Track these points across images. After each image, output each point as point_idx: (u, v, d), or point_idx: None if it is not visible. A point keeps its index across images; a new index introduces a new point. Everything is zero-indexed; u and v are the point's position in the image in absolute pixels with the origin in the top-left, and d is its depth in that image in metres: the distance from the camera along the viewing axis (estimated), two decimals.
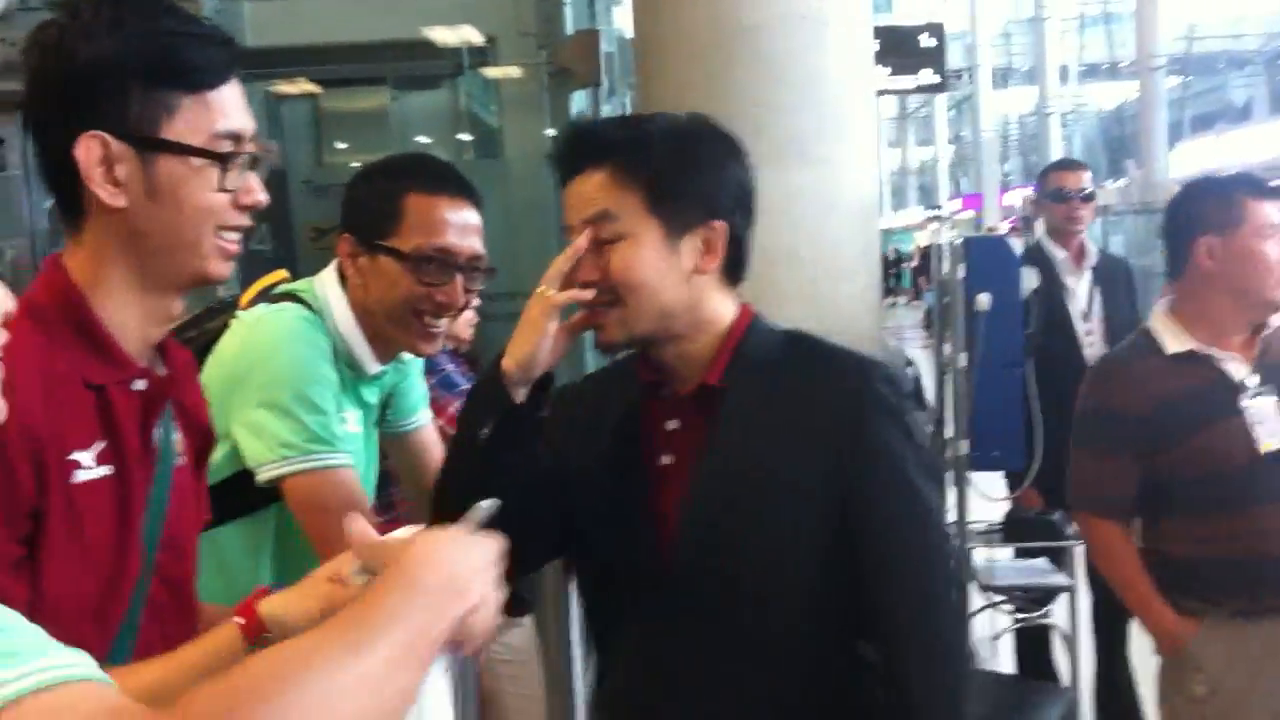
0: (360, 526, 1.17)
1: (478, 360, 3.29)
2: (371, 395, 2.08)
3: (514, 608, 2.89)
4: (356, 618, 0.91)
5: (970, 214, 30.63)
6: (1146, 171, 26.43)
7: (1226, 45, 30.62)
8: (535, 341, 1.54)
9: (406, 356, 2.13)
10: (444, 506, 1.53)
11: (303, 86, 9.47)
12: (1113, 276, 4.26)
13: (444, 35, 8.04)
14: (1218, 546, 2.44)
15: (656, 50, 3.14)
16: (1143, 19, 26.54)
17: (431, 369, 2.99)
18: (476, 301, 3.22)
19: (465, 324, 3.17)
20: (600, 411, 1.68)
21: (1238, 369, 2.47)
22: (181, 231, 1.31)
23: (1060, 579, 3.74)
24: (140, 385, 1.34)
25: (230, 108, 1.34)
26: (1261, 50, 29.15)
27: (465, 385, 3.01)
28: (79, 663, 0.80)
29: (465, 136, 9.66)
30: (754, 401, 1.57)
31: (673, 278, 1.54)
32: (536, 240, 6.62)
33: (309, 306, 1.97)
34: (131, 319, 1.33)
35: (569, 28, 7.43)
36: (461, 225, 1.97)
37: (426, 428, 2.29)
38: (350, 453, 1.94)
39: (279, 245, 8.15)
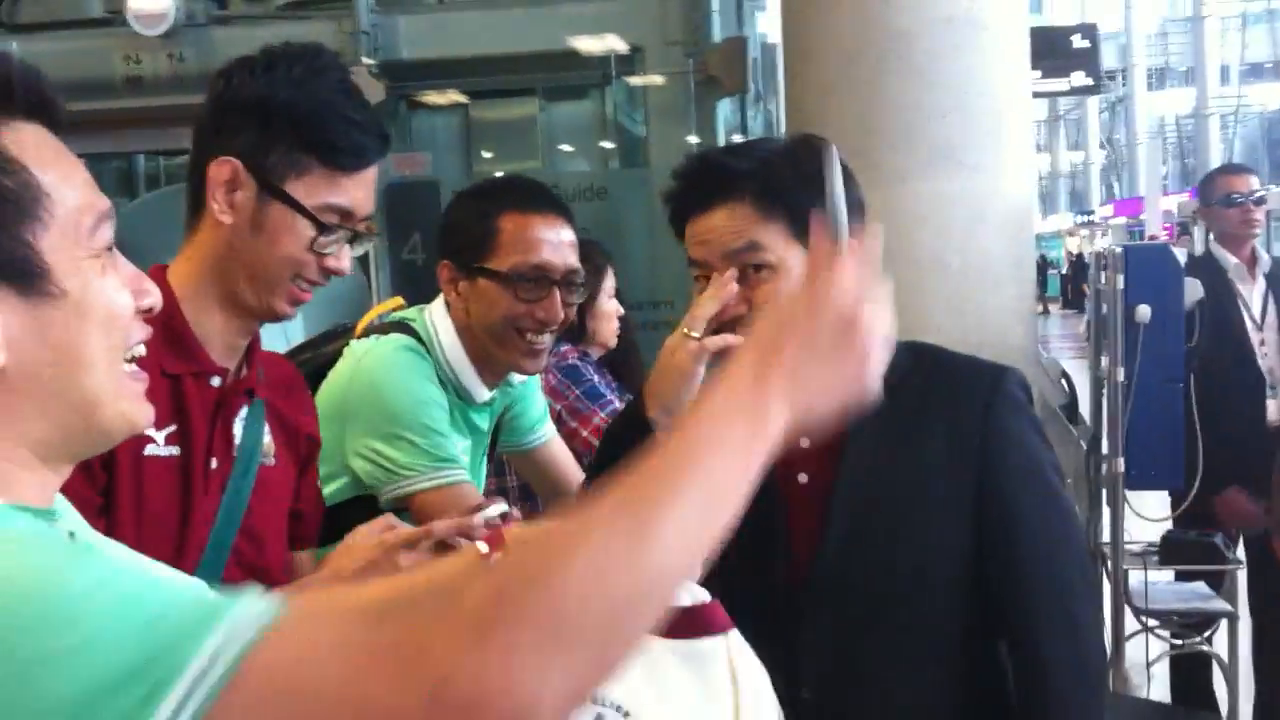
0: None
1: (626, 366, 3.29)
2: (482, 422, 2.11)
3: None
4: (655, 470, 0.85)
5: (1122, 220, 29.69)
6: None
7: None
8: (682, 386, 1.53)
9: (516, 379, 2.14)
10: None
11: (453, 97, 9.65)
12: None
13: (590, 45, 8.11)
14: None
15: (804, 57, 3.10)
16: None
17: (576, 379, 3.00)
18: (618, 308, 3.24)
19: (610, 331, 3.18)
20: None
21: None
22: (267, 267, 1.47)
23: (1220, 605, 3.58)
24: (216, 382, 1.48)
25: (353, 188, 1.49)
26: None
27: (610, 396, 3.01)
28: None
29: (610, 145, 9.72)
30: (885, 413, 1.55)
31: None
32: (680, 248, 6.64)
33: (417, 335, 2.01)
34: (215, 327, 1.48)
35: (716, 35, 7.43)
36: (556, 241, 1.99)
37: (553, 440, 2.32)
38: None
39: (429, 255, 8.35)
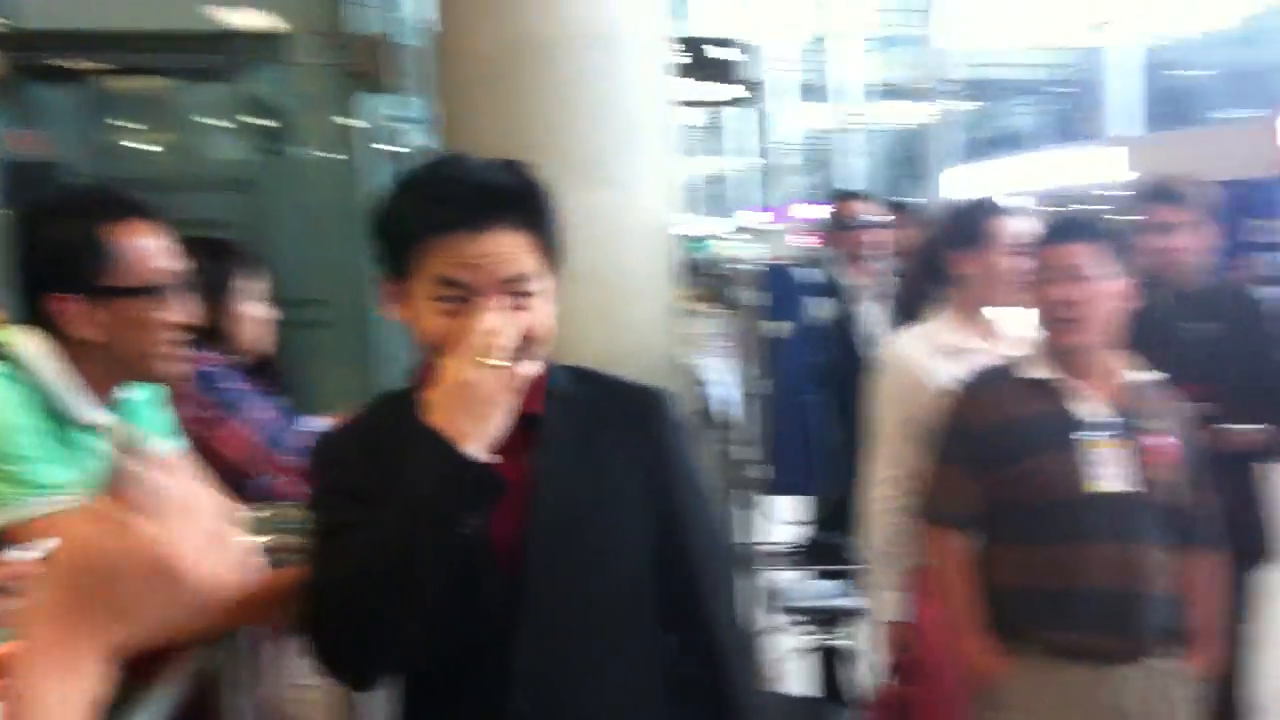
0: None
1: (275, 371, 3.10)
2: (93, 444, 1.95)
3: None
4: None
5: (774, 227, 31.28)
6: (933, 193, 27.56)
7: (1012, 74, 32.11)
8: (500, 419, 1.46)
9: (135, 395, 2.04)
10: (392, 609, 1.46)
11: (83, 72, 8.95)
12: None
13: (233, 26, 7.72)
14: (1036, 576, 2.47)
15: (454, 61, 3.03)
16: (934, 43, 27.67)
17: (210, 385, 2.80)
18: (268, 312, 3.06)
19: (255, 335, 2.99)
20: (394, 455, 1.55)
21: (1086, 407, 2.50)
22: None
23: (855, 601, 3.76)
24: None
25: None
26: (1044, 80, 30.66)
27: (251, 404, 2.83)
28: None
29: (253, 134, 9.29)
30: (567, 428, 1.61)
31: None
32: (332, 242, 6.39)
33: (10, 357, 1.88)
34: None
35: (366, 27, 7.22)
36: (159, 247, 1.96)
37: (178, 453, 2.16)
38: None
39: None
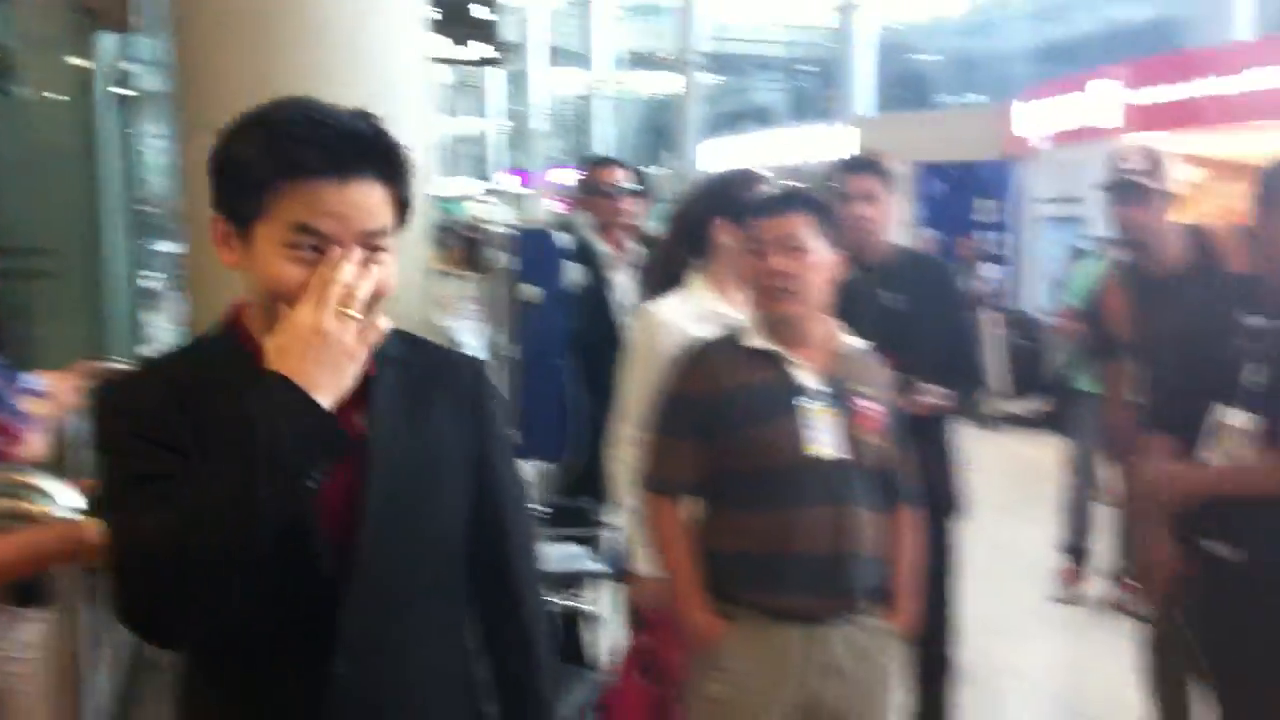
0: None
1: None
2: None
3: (27, 601, 2.59)
4: None
5: (527, 190, 31.19)
6: (680, 163, 28.08)
7: (753, 49, 32.95)
8: (352, 373, 1.43)
9: None
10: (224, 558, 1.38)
11: None
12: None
13: None
14: (753, 540, 2.54)
15: (195, 5, 2.87)
16: (683, 14, 28.11)
17: None
18: None
19: None
20: (217, 404, 1.47)
21: (802, 374, 2.58)
22: None
23: (596, 565, 3.81)
24: None
25: None
26: (782, 58, 31.60)
27: None
28: None
29: None
30: (397, 390, 1.59)
31: None
32: (61, 189, 5.99)
33: None
34: None
35: None
36: None
37: None
38: None
39: None
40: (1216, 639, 2.84)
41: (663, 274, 3.21)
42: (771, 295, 2.58)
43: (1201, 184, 11.32)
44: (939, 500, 3.64)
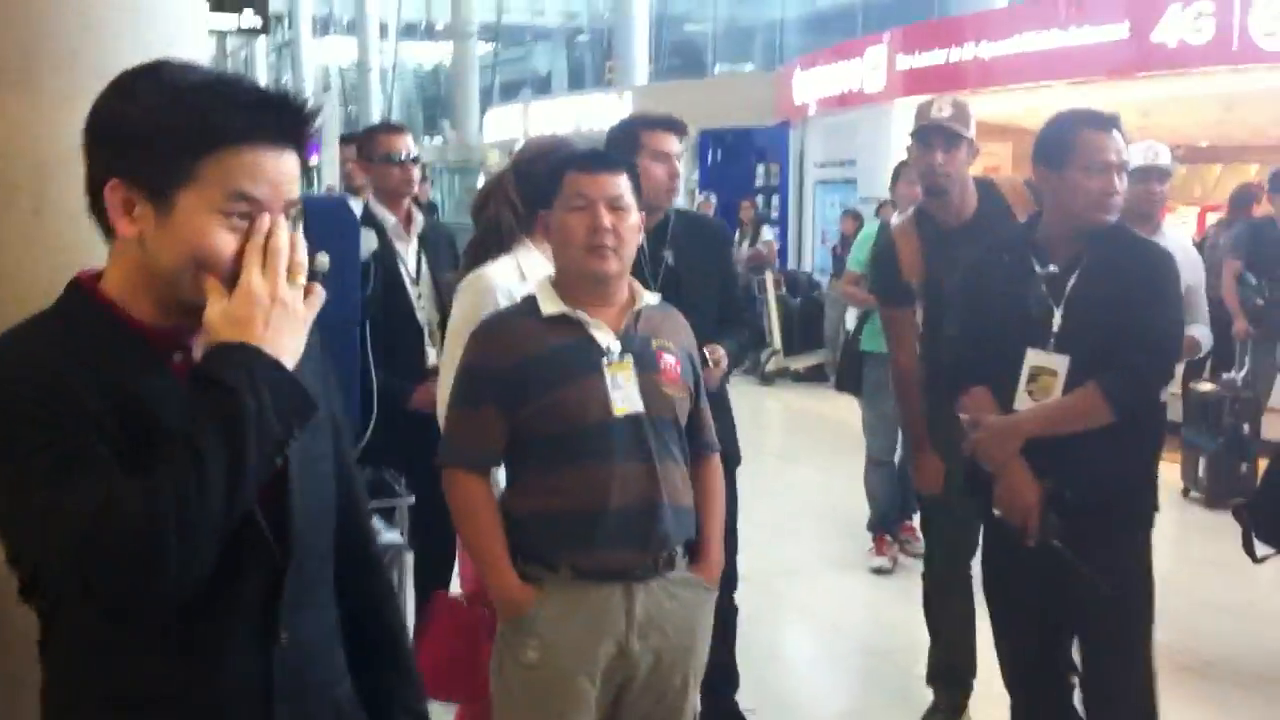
0: None
1: None
2: None
3: None
4: None
5: (311, 159, 30.35)
6: (461, 133, 27.81)
7: (531, 19, 32.87)
8: (304, 336, 1.44)
9: None
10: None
11: None
12: (436, 243, 4.27)
13: None
14: (564, 500, 2.52)
15: None
16: None
17: None
18: None
19: None
20: (104, 384, 1.39)
21: (604, 335, 2.58)
22: None
23: (393, 537, 3.73)
24: None
25: None
26: (562, 27, 31.62)
27: None
28: None
29: None
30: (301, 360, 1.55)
31: None
32: None
33: None
34: None
35: None
36: None
37: None
38: None
39: None
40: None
41: (491, 237, 3.14)
42: (600, 254, 2.56)
43: None
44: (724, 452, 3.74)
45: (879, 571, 5.99)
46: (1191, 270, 4.55)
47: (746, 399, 3.97)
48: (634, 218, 2.59)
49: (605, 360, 2.55)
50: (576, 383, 2.52)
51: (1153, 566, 3.18)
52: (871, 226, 7.12)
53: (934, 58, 11.70)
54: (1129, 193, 5.02)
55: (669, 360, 2.63)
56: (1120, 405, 2.97)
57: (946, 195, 3.84)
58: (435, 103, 35.36)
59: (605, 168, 2.60)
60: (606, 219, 2.54)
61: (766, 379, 12.07)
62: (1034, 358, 3.06)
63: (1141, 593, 3.15)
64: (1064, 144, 3.03)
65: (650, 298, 2.68)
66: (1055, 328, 3.03)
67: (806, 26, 24.07)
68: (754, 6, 26.44)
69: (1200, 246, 7.43)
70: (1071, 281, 3.05)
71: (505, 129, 23.60)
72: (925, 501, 4.20)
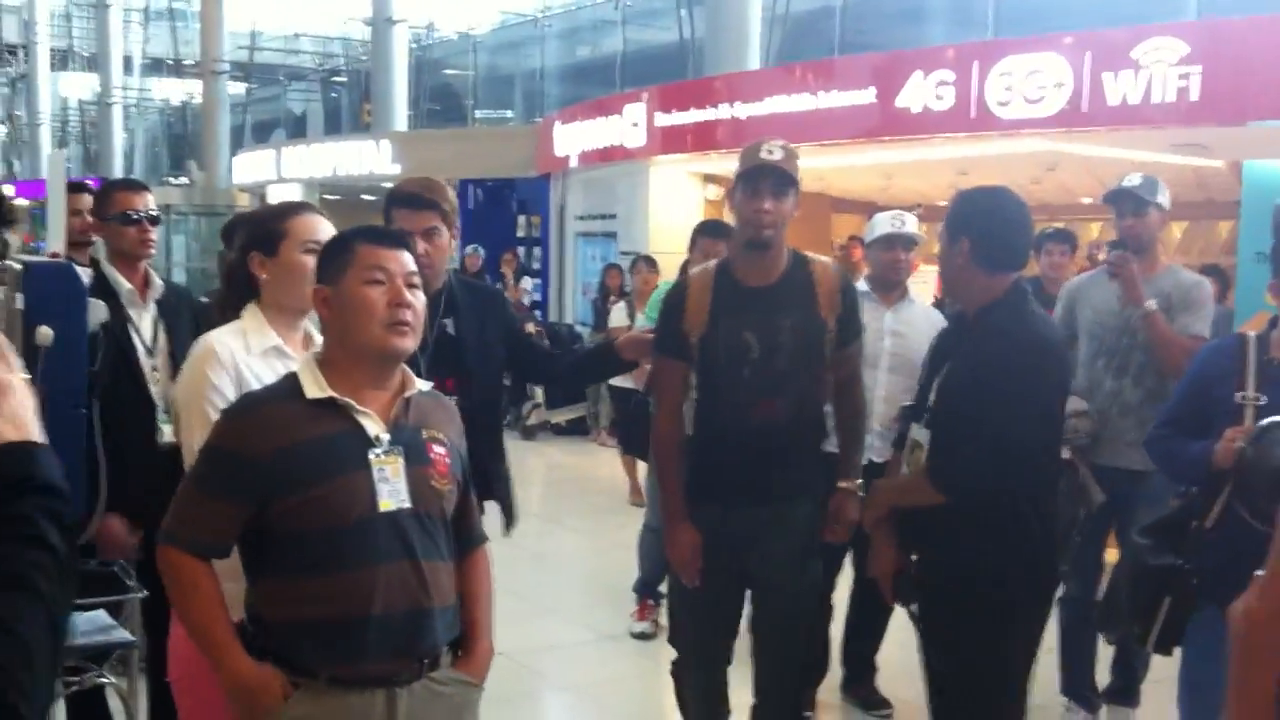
0: None
1: None
2: None
3: None
4: None
5: (26, 202, 28.56)
6: (209, 174, 26.78)
7: (285, 58, 32.04)
8: None
9: None
10: None
11: None
12: (177, 309, 3.96)
13: None
14: (324, 607, 2.33)
15: None
16: (208, 20, 26.86)
17: None
18: None
19: None
20: None
21: (372, 424, 2.41)
22: None
23: (122, 634, 3.44)
24: None
25: None
26: (318, 68, 30.92)
27: None
28: None
29: None
30: None
31: None
32: None
33: None
34: None
35: None
36: None
37: None
38: None
39: None
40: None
41: (224, 306, 2.94)
42: (400, 330, 2.41)
43: (718, 202, 12.14)
44: (501, 504, 3.69)
45: (642, 637, 5.94)
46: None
47: (509, 455, 3.84)
48: (424, 298, 2.49)
49: (373, 452, 2.39)
50: (341, 476, 2.34)
51: (1017, 662, 3.27)
52: (668, 282, 7.10)
53: (691, 117, 11.92)
54: (876, 261, 5.18)
55: (439, 451, 2.49)
56: (946, 488, 3.20)
57: (768, 251, 3.54)
58: (182, 141, 33.96)
59: (398, 244, 2.49)
60: (407, 294, 2.41)
61: (528, 433, 11.97)
62: (914, 431, 3.36)
63: (988, 686, 3.29)
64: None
65: (421, 384, 2.54)
66: (929, 403, 3.31)
67: (565, 76, 24.24)
68: (514, 55, 26.49)
69: (940, 305, 7.71)
70: (949, 363, 3.30)
71: (256, 171, 22.83)
72: (674, 573, 3.82)
